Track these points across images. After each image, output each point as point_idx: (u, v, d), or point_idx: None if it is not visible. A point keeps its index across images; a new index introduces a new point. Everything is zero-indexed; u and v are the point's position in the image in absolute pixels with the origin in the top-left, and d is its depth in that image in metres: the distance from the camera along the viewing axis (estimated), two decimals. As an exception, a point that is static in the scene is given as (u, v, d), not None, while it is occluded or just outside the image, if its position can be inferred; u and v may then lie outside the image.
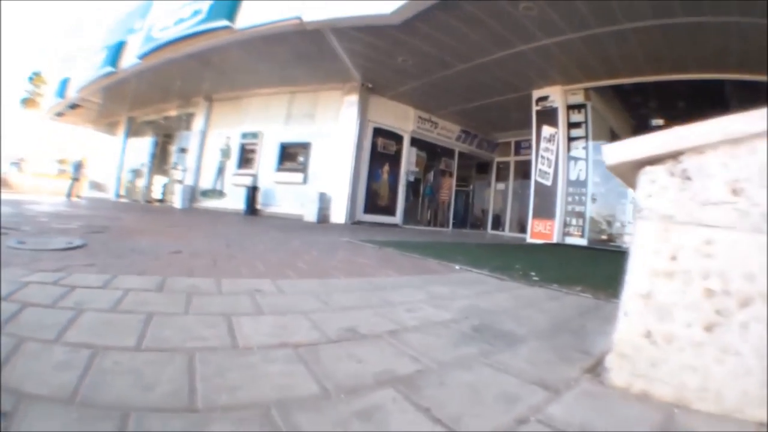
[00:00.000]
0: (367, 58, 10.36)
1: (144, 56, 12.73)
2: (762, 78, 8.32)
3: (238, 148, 14.65)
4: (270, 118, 13.89)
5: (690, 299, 1.20)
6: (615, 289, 3.35)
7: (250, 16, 9.93)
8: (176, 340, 1.36)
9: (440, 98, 12.66)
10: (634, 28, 7.86)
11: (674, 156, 1.30)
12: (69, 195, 16.21)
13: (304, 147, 12.88)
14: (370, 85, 11.93)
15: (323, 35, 9.44)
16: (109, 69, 14.47)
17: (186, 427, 0.86)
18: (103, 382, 1.01)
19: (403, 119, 13.24)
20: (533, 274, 3.88)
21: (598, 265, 5.67)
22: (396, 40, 9.18)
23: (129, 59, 13.69)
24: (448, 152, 15.52)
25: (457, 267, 4.00)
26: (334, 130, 12.21)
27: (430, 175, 15.25)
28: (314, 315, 1.83)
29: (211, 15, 10.58)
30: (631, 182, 1.48)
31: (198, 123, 15.90)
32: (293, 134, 13.22)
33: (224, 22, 10.15)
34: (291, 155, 13.17)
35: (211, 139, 15.59)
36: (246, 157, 14.43)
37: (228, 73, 12.83)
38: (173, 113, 17.32)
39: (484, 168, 17.30)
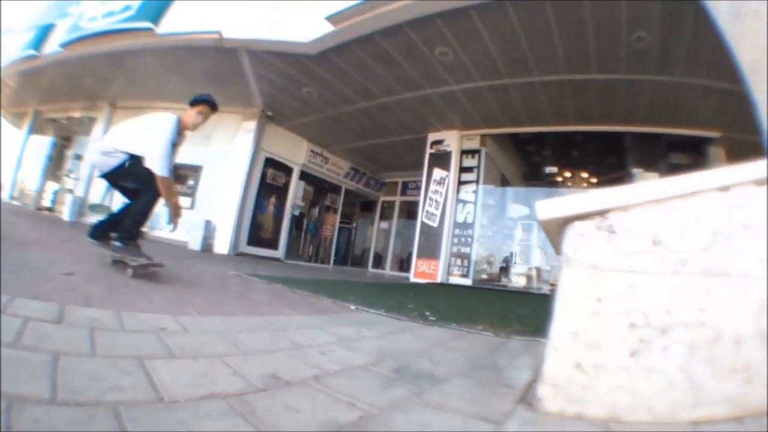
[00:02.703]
0: (273, 85, 10.23)
1: (66, 45, 11.35)
2: (666, 130, 9.38)
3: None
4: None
5: (615, 333, 1.38)
6: (513, 327, 3.64)
7: (173, 23, 9.42)
8: (93, 390, 1.20)
9: (336, 134, 12.78)
10: (545, 81, 8.48)
11: (601, 213, 1.51)
12: None
13: (196, 170, 12.22)
14: (270, 113, 11.73)
15: (237, 55, 9.22)
16: (31, 52, 12.76)
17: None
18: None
19: (295, 151, 13.16)
20: (428, 314, 4.00)
21: (489, 304, 6.02)
22: (306, 71, 9.19)
23: (52, 45, 12.14)
24: (335, 188, 15.65)
25: (352, 307, 4.02)
26: (227, 155, 11.80)
27: (315, 211, 15.25)
28: (229, 359, 1.73)
29: (139, 14, 9.88)
30: (557, 235, 1.67)
31: (98, 129, 14.41)
32: (187, 155, 12.42)
33: (148, 24, 9.52)
34: (181, 177, 12.37)
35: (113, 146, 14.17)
36: None
37: (138, 80, 11.82)
38: (77, 114, 15.53)
39: (368, 206, 17.61)
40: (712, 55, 6.38)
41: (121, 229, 3.93)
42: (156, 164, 3.87)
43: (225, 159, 11.85)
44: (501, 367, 2.03)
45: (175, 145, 4.16)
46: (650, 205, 1.46)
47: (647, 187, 1.49)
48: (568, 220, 1.57)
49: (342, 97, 10.32)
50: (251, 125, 11.71)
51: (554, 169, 11.94)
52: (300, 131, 12.85)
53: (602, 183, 12.02)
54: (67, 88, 14.34)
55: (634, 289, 1.40)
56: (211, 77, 10.45)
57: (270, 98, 11.03)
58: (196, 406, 1.22)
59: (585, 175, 12.51)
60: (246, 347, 1.98)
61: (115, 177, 4.05)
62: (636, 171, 9.91)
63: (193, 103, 4.34)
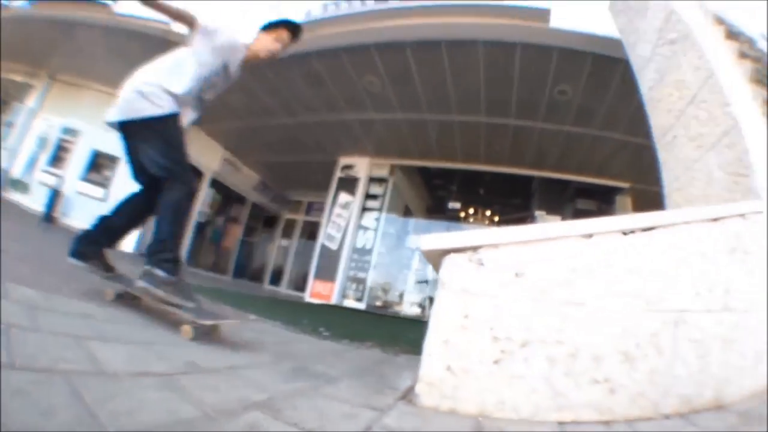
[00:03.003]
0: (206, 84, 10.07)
1: (35, 1, 10.55)
2: (576, 178, 10.13)
3: (55, 142, 12.45)
4: (95, 119, 12.19)
5: (480, 343, 1.75)
6: (401, 347, 3.98)
7: (132, 6, 8.99)
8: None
9: (252, 145, 12.70)
10: (463, 120, 8.95)
11: (474, 248, 1.89)
12: None
13: (113, 161, 11.61)
14: None
15: (176, 47, 8.97)
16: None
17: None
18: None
19: (210, 157, 12.89)
20: (322, 329, 4.29)
21: (379, 327, 6.40)
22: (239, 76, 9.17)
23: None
24: (242, 200, 15.43)
25: (252, 316, 4.22)
26: None
27: (220, 220, 14.99)
28: (156, 347, 1.91)
29: (106, -16, 9.14)
30: (437, 263, 2.02)
31: (33, 99, 13.30)
32: (108, 145, 11.76)
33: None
34: (99, 166, 11.74)
35: (38, 121, 13.07)
36: (60, 155, 12.23)
37: (82, 55, 10.83)
38: (18, 78, 14.25)
39: (271, 222, 17.45)
40: (633, 112, 6.61)
41: (156, 249, 2.59)
42: None
43: None
44: (386, 375, 2.36)
45: (225, 69, 3.02)
46: (517, 245, 1.86)
47: (515, 230, 1.93)
48: (445, 252, 1.93)
49: (265, 109, 10.34)
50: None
51: (457, 205, 12.49)
52: (218, 137, 12.64)
53: (504, 222, 12.82)
54: (18, 47, 13.30)
55: (498, 310, 1.77)
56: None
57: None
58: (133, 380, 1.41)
59: (488, 213, 13.21)
60: (168, 340, 2.17)
61: (139, 134, 2.69)
62: (539, 214, 10.73)
63: (269, 27, 3.11)
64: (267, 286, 15.95)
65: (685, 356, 1.83)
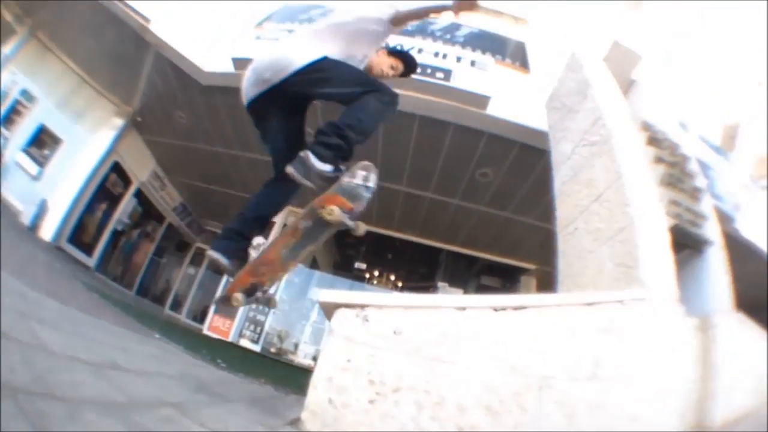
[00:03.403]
0: (157, 95, 10.24)
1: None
2: (485, 255, 10.92)
3: (12, 101, 11.93)
4: (54, 90, 11.80)
5: (358, 384, 2.16)
6: (290, 388, 4.26)
7: None
8: None
9: (183, 166, 12.86)
10: (385, 186, 9.25)
11: (362, 306, 2.34)
12: None
13: (56, 142, 11.30)
14: (139, 119, 11.56)
15: (147, 48, 9.16)
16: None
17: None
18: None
19: (141, 167, 12.89)
20: (220, 361, 4.54)
21: (273, 370, 6.69)
22: (188, 96, 9.42)
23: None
24: (160, 218, 15.28)
25: (156, 335, 4.42)
26: (85, 138, 11.32)
27: (135, 234, 14.75)
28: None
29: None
30: (330, 314, 2.43)
31: (10, 46, 12.58)
32: (56, 122, 11.43)
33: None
34: (42, 143, 11.34)
35: (6, 72, 12.45)
36: (12, 117, 11.79)
37: (63, 21, 10.65)
38: (8, 17, 13.39)
39: (183, 247, 17.24)
40: (548, 201, 7.42)
41: (333, 126, 2.32)
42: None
43: (83, 141, 11.39)
44: (277, 406, 2.68)
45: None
46: (398, 308, 2.34)
47: (397, 296, 2.53)
48: (338, 306, 2.38)
49: (205, 135, 10.59)
50: (119, 122, 11.47)
51: (363, 266, 13.12)
52: (153, 148, 12.70)
53: (407, 288, 13.45)
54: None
55: (376, 359, 2.20)
56: (115, 55, 10.21)
57: (147, 105, 10.96)
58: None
59: (393, 277, 13.89)
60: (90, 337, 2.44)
61: (307, 83, 2.45)
62: (441, 285, 11.31)
63: (395, 52, 3.10)
64: (168, 311, 15.70)
65: (551, 415, 2.19)
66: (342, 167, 2.28)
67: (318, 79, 2.41)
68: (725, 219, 8.15)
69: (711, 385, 2.99)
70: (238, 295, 2.38)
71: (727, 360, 3.12)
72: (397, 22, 2.75)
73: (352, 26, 2.68)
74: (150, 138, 12.22)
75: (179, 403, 1.77)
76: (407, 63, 3.08)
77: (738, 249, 8.31)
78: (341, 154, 2.28)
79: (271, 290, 2.55)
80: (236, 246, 2.62)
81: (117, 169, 12.33)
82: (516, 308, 2.40)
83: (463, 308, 2.35)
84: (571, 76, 5.19)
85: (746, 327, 3.86)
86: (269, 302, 2.58)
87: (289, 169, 2.22)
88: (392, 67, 3.02)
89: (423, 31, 8.64)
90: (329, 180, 2.23)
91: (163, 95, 10.23)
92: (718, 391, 2.97)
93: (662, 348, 2.83)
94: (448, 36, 8.55)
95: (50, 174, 11.31)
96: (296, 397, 3.47)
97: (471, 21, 9.23)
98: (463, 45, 8.31)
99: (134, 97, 10.98)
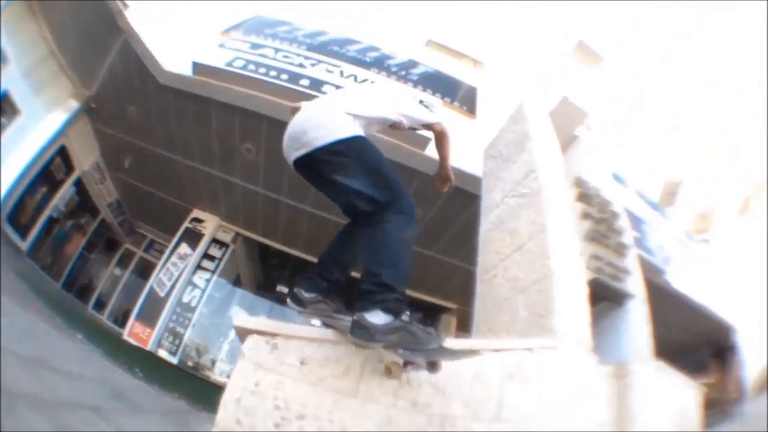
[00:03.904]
0: (115, 83, 10.23)
1: None
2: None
3: None
4: (25, 56, 11.18)
5: (265, 408, 2.35)
6: (203, 405, 4.36)
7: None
8: None
9: (124, 161, 12.61)
10: (314, 213, 9.85)
11: (272, 335, 2.55)
12: None
13: (15, 112, 10.49)
14: (93, 105, 11.36)
15: (118, 34, 9.16)
16: None
17: None
18: None
19: (87, 155, 12.63)
20: (137, 370, 4.62)
21: (187, 383, 6.73)
22: (144, 92, 9.43)
23: None
24: (95, 213, 14.87)
25: (79, 336, 4.47)
26: (40, 114, 10.94)
27: (69, 224, 14.40)
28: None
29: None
30: (243, 338, 2.60)
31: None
32: (19, 92, 10.72)
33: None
34: (1, 109, 11.00)
35: None
36: None
37: None
38: None
39: (112, 246, 16.86)
40: (475, 244, 7.87)
41: (372, 280, 2.26)
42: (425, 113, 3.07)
43: (37, 119, 11.02)
44: (189, 421, 2.83)
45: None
46: (305, 340, 2.54)
47: (305, 329, 2.67)
48: (250, 331, 2.56)
49: (150, 134, 10.62)
50: (74, 105, 11.29)
51: (285, 289, 13.18)
52: (101, 138, 12.55)
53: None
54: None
55: (282, 385, 2.38)
56: (87, 34, 10.04)
57: (103, 93, 10.89)
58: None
59: None
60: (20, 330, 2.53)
61: (332, 165, 2.50)
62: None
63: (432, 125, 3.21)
64: (90, 310, 15.33)
65: None
66: (403, 314, 2.20)
67: (333, 162, 2.49)
68: (656, 271, 8.70)
69: (627, 429, 3.09)
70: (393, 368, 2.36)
71: (644, 405, 3.37)
72: (429, 128, 3.13)
73: (378, 119, 2.88)
74: (99, 127, 12.11)
75: (98, 407, 1.91)
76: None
77: (669, 299, 8.89)
78: (399, 305, 2.21)
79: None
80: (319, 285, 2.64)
81: (63, 153, 12.10)
82: None
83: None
84: (513, 127, 5.42)
85: (665, 374, 4.15)
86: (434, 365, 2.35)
87: (354, 341, 2.23)
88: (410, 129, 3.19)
89: (380, 65, 8.94)
90: (396, 330, 2.15)
91: (120, 86, 10.27)
92: (634, 432, 3.11)
93: (571, 394, 2.93)
94: (403, 73, 8.90)
95: (6, 144, 10.91)
96: (208, 415, 3.62)
97: (431, 61, 9.60)
98: (416, 83, 8.70)
99: (93, 81, 10.86)
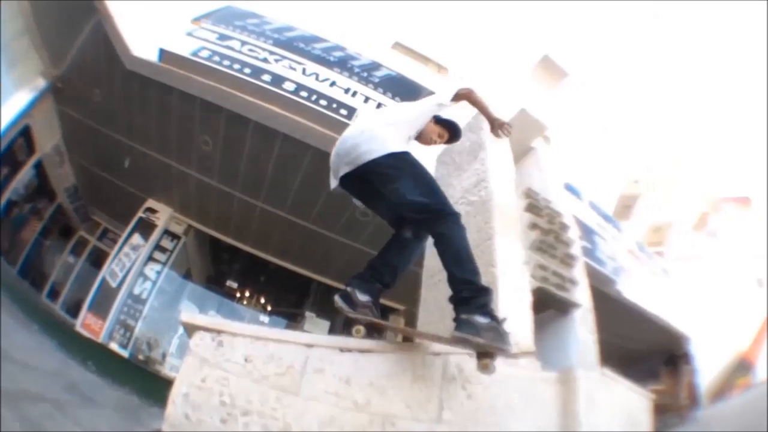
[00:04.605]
0: (83, 64, 10.06)
1: None
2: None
3: None
4: (5, 28, 10.77)
5: (212, 403, 2.47)
6: (154, 400, 4.44)
7: None
8: None
9: (86, 147, 12.52)
10: (267, 210, 9.90)
11: (218, 332, 2.67)
12: None
13: None
14: (60, 85, 11.07)
15: (92, 13, 9.00)
16: None
17: None
18: None
19: (49, 137, 12.33)
20: (90, 363, 4.71)
21: (136, 377, 6.77)
22: (110, 76, 9.40)
23: None
24: (52, 198, 14.52)
25: (35, 326, 4.53)
26: (9, 91, 10.40)
27: (27, 208, 14.09)
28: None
29: None
30: (191, 333, 2.71)
31: None
32: None
33: None
34: None
35: None
36: None
37: None
38: None
39: (67, 233, 16.55)
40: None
41: (467, 295, 2.58)
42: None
43: (6, 96, 10.43)
44: (141, 416, 2.95)
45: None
46: (249, 338, 2.68)
47: (250, 327, 2.89)
48: (197, 327, 2.67)
49: (111, 119, 10.53)
50: (41, 83, 11.00)
51: (235, 285, 13.51)
52: (63, 121, 12.29)
53: (275, 313, 13.95)
54: None
55: (227, 381, 2.51)
56: (65, 10, 9.74)
57: (71, 73, 10.67)
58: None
59: (263, 300, 14.21)
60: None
61: (386, 177, 2.77)
62: (309, 314, 12.11)
63: (442, 121, 3.45)
64: (45, 299, 15.06)
65: None
66: (497, 314, 2.54)
67: (387, 174, 2.75)
68: (606, 281, 9.03)
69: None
70: (360, 328, 2.80)
71: (589, 410, 3.46)
72: (457, 99, 3.29)
73: (413, 117, 3.18)
74: (63, 108, 11.80)
75: (56, 401, 2.01)
76: (453, 132, 3.51)
77: (620, 308, 9.23)
78: (488, 301, 2.56)
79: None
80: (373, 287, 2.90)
81: (26, 133, 11.80)
82: (362, 351, 2.77)
83: (311, 345, 2.73)
84: (468, 135, 5.58)
85: (610, 380, 4.36)
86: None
87: (457, 335, 2.46)
88: (439, 135, 3.43)
89: (343, 65, 9.06)
90: (492, 329, 2.43)
91: (87, 68, 10.11)
92: (580, 438, 3.21)
93: (513, 398, 3.16)
94: (365, 74, 9.04)
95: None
96: (159, 409, 3.73)
97: (396, 64, 9.75)
98: (376, 86, 8.83)
99: (63, 61, 10.61)
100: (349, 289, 2.85)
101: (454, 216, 2.72)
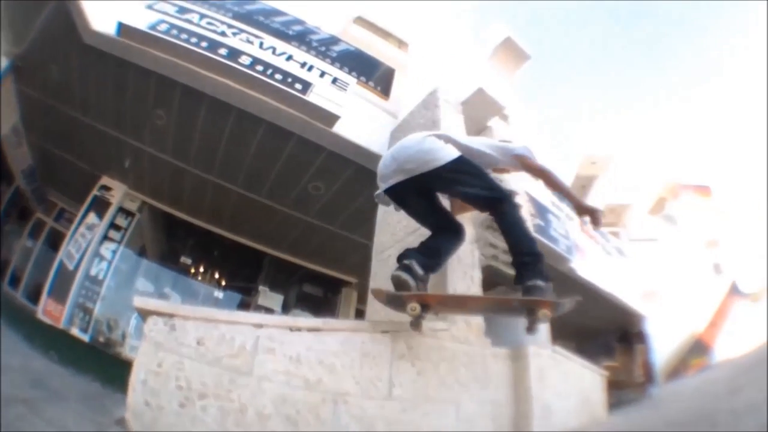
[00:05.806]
0: (43, 41, 9.48)
1: None
2: (308, 265, 11.91)
3: None
4: None
5: (169, 388, 2.54)
6: (116, 386, 4.56)
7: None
8: None
9: (42, 126, 11.99)
10: (219, 184, 9.86)
11: (170, 315, 2.72)
12: None
13: None
14: (20, 64, 10.39)
15: None
16: None
17: None
18: None
19: (7, 118, 11.29)
20: (53, 353, 4.81)
21: (97, 363, 6.88)
22: (67, 50, 8.88)
23: None
24: (10, 180, 13.70)
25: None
26: None
27: (-1, 194, 13.73)
28: None
29: None
30: (145, 318, 2.74)
31: None
32: None
33: None
34: None
35: None
36: None
37: None
38: None
39: (25, 216, 16.17)
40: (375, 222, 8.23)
41: (530, 261, 2.98)
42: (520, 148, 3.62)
43: None
44: (106, 405, 3.10)
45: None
46: (201, 320, 2.74)
47: (201, 309, 2.91)
48: (150, 312, 2.71)
49: (67, 95, 10.07)
50: (4, 63, 10.22)
51: (189, 261, 13.32)
52: (21, 100, 11.46)
53: (230, 287, 13.91)
54: None
55: (182, 365, 2.58)
56: None
57: (31, 51, 10.03)
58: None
59: (217, 275, 14.14)
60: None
61: (454, 180, 3.18)
62: (262, 289, 12.14)
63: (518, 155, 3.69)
64: (6, 287, 14.80)
65: (349, 426, 2.69)
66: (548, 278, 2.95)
67: (453, 178, 3.13)
68: (560, 259, 9.33)
69: (525, 407, 3.53)
70: (416, 305, 2.82)
71: (541, 386, 3.74)
72: (523, 165, 3.69)
73: (478, 151, 3.49)
74: (22, 88, 11.14)
75: (27, 400, 2.13)
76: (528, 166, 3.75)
77: (574, 286, 9.56)
78: (543, 267, 2.98)
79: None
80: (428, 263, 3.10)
81: None
82: (311, 329, 2.91)
83: (261, 325, 2.82)
84: (423, 112, 5.70)
85: (562, 357, 4.59)
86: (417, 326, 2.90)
87: (530, 298, 2.84)
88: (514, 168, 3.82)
89: (301, 39, 9.07)
90: (548, 289, 2.89)
91: (47, 44, 9.57)
92: (533, 412, 3.51)
93: (463, 374, 3.35)
94: (323, 48, 9.08)
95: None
96: (122, 395, 3.88)
97: (355, 38, 9.78)
98: (333, 61, 8.88)
99: (24, 38, 10.02)
100: (407, 261, 3.01)
101: (510, 199, 3.13)
